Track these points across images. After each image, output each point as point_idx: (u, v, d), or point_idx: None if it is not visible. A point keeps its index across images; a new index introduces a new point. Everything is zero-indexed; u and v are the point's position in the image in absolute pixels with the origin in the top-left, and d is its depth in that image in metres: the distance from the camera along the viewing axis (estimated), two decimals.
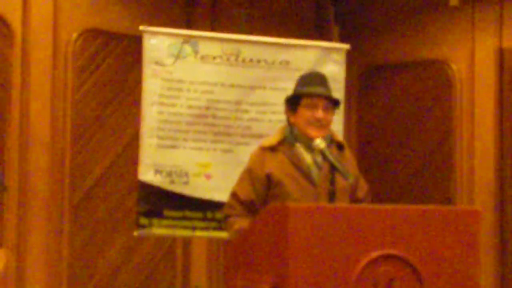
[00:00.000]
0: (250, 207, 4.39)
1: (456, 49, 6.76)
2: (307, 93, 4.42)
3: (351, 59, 5.94)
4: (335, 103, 4.48)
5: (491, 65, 6.60)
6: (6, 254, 3.83)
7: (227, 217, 4.51)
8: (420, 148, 6.84)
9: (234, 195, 4.47)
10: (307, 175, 4.38)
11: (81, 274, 5.91)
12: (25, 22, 5.77)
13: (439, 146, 6.74)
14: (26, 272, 5.75)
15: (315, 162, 4.40)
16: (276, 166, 4.40)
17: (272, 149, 4.45)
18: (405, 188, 6.80)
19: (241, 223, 4.31)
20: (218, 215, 5.16)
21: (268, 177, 4.38)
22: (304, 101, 4.40)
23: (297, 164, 4.39)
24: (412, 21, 6.98)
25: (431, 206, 4.03)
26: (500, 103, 6.55)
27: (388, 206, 3.80)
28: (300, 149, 4.41)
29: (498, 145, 6.56)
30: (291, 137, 4.44)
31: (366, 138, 7.07)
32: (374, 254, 3.40)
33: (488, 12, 6.63)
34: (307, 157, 4.40)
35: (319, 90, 4.42)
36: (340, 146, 4.53)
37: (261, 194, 4.38)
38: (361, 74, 7.05)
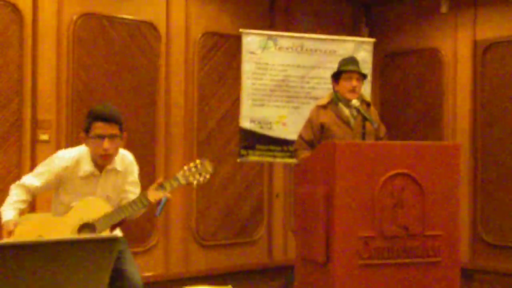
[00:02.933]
0: (310, 144, 4.39)
1: (445, 41, 6.59)
2: (345, 69, 4.39)
3: (375, 48, 5.84)
4: (363, 76, 4.44)
5: (468, 51, 6.43)
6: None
7: (295, 150, 4.51)
8: (421, 106, 6.71)
9: (300, 136, 4.47)
10: (347, 123, 4.35)
11: (205, 186, 5.95)
12: (168, 26, 5.76)
13: (433, 104, 6.61)
14: None
15: (352, 115, 4.36)
16: (327, 117, 4.37)
17: (324, 107, 4.43)
18: (411, 131, 6.71)
19: (305, 153, 4.31)
20: (290, 148, 5.16)
21: (322, 125, 4.36)
22: (344, 75, 4.38)
23: (340, 116, 4.36)
24: (416, 22, 6.82)
25: (428, 142, 3.96)
26: (474, 77, 6.37)
27: (400, 142, 3.76)
28: (342, 106, 4.38)
29: (472, 105, 6.38)
30: (336, 99, 4.41)
31: (386, 99, 6.98)
32: (391, 172, 3.37)
33: (466, 16, 6.45)
34: (347, 112, 4.37)
35: (353, 67, 4.40)
36: (368, 104, 4.49)
37: (317, 135, 4.38)
38: (382, 58, 6.93)
